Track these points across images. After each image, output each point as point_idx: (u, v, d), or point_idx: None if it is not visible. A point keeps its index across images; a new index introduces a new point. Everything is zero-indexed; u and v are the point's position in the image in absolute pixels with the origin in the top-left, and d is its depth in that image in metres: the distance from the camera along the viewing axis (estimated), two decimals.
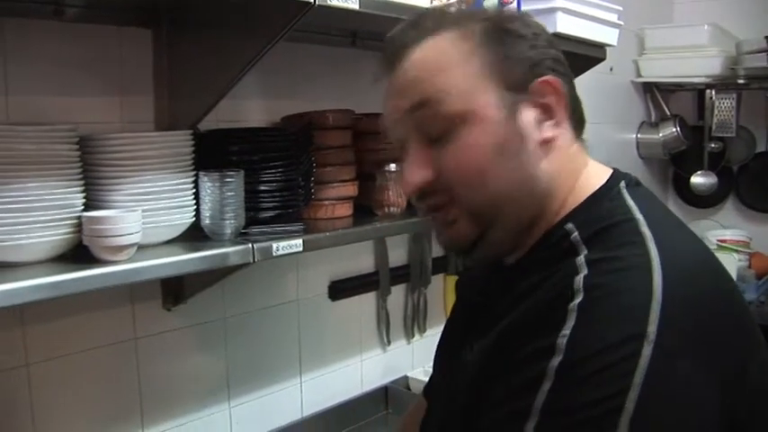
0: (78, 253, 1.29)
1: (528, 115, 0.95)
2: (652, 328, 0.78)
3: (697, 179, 3.60)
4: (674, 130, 3.51)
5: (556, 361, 0.80)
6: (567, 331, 0.81)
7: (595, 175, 1.00)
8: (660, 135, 3.54)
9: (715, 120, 3.44)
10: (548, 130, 0.96)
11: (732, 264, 3.14)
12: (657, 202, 1.00)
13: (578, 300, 0.82)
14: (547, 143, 0.96)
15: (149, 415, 1.73)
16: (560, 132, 0.97)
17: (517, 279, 0.96)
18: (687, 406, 0.78)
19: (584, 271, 0.85)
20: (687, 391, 0.78)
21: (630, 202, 0.94)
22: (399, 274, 2.36)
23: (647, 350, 0.77)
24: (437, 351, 1.28)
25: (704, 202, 3.72)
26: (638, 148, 3.59)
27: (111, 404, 1.66)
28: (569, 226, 0.94)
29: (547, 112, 0.96)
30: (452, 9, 1.03)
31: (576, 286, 0.84)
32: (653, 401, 0.76)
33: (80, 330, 1.58)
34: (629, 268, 0.84)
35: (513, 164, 0.94)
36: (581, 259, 0.87)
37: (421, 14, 1.03)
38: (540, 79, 0.95)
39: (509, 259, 1.03)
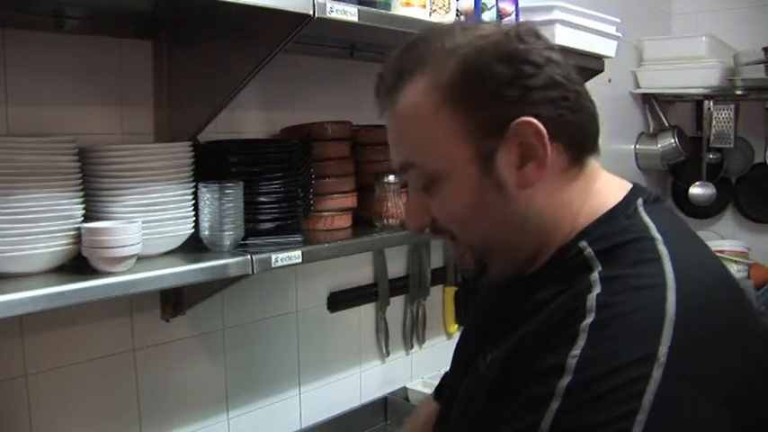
0: (77, 264, 1.29)
1: (508, 160, 0.92)
2: (663, 350, 0.77)
3: (695, 190, 3.61)
4: (673, 141, 3.51)
5: (565, 381, 0.79)
6: (577, 351, 0.80)
7: (610, 192, 0.98)
8: (659, 146, 3.54)
9: (713, 131, 3.45)
10: (531, 173, 0.92)
11: None
12: (676, 219, 0.99)
13: (590, 319, 0.82)
14: (530, 185, 0.93)
15: (148, 426, 1.73)
16: (546, 170, 0.93)
17: (531, 292, 0.96)
18: (695, 429, 0.78)
19: (598, 289, 0.85)
20: (696, 414, 0.77)
21: (647, 220, 0.93)
22: (398, 286, 2.36)
23: (656, 372, 0.76)
24: (454, 355, 1.28)
25: (703, 212, 3.72)
26: (636, 159, 3.59)
27: (110, 415, 1.66)
28: (583, 243, 0.93)
29: (529, 152, 0.91)
30: (438, 36, 0.96)
31: (589, 305, 0.83)
32: (661, 424, 0.75)
33: (79, 341, 1.58)
34: (644, 287, 0.84)
35: (494, 212, 0.95)
36: (595, 276, 0.87)
37: (407, 44, 0.99)
38: (517, 120, 0.90)
39: (527, 271, 1.02)
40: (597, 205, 0.97)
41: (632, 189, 1.00)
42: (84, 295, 1.20)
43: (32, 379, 1.51)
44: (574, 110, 0.94)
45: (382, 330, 2.32)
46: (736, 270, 3.25)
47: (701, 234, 3.55)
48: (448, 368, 1.36)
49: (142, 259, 1.34)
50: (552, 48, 0.96)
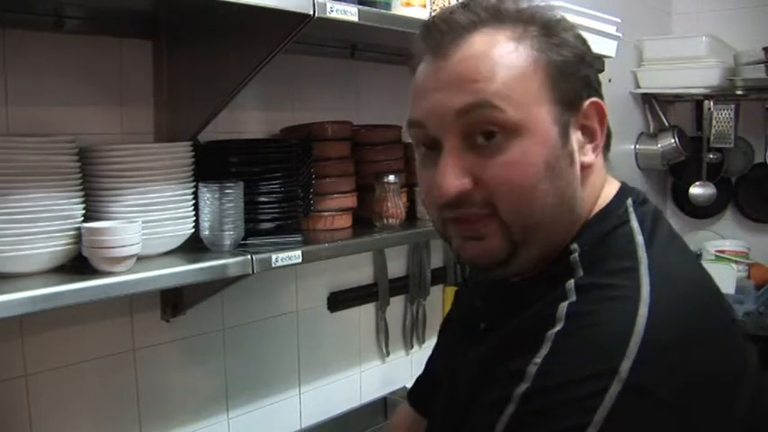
0: (77, 264, 1.29)
1: (577, 135, 0.92)
2: (626, 365, 0.76)
3: (696, 190, 3.61)
4: (673, 141, 3.51)
5: (523, 387, 0.79)
6: (538, 359, 0.80)
7: (609, 190, 0.98)
8: (659, 146, 3.54)
9: (713, 131, 3.45)
10: (588, 155, 0.93)
11: (731, 274, 3.14)
12: (662, 222, 0.97)
13: (558, 327, 0.81)
14: (586, 168, 0.93)
15: (147, 426, 1.73)
16: (598, 157, 0.95)
17: (521, 294, 0.95)
18: None
19: (572, 297, 0.84)
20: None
21: (635, 224, 0.92)
22: (398, 286, 2.36)
23: (615, 388, 0.75)
24: (434, 357, 1.29)
25: (703, 212, 3.72)
26: (636, 158, 3.59)
27: (110, 415, 1.66)
28: (574, 245, 0.92)
29: (589, 135, 0.93)
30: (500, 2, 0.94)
31: (560, 313, 0.83)
32: None
33: (79, 341, 1.58)
34: (616, 299, 0.82)
35: (562, 184, 0.89)
36: (571, 284, 0.86)
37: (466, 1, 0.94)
38: (590, 100, 0.92)
39: (515, 277, 0.99)
40: (600, 202, 0.97)
41: (621, 188, 0.99)
42: (83, 295, 1.20)
43: (32, 379, 1.51)
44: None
45: (382, 330, 2.32)
46: (736, 270, 3.25)
47: (701, 234, 3.59)
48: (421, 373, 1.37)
49: (142, 259, 1.34)
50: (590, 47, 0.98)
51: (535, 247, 0.91)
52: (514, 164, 0.87)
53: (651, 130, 3.62)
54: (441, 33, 0.91)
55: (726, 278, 3.07)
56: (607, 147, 0.98)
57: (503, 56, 0.88)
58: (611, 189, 0.99)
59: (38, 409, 1.52)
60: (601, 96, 0.95)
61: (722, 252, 3.38)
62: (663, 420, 0.76)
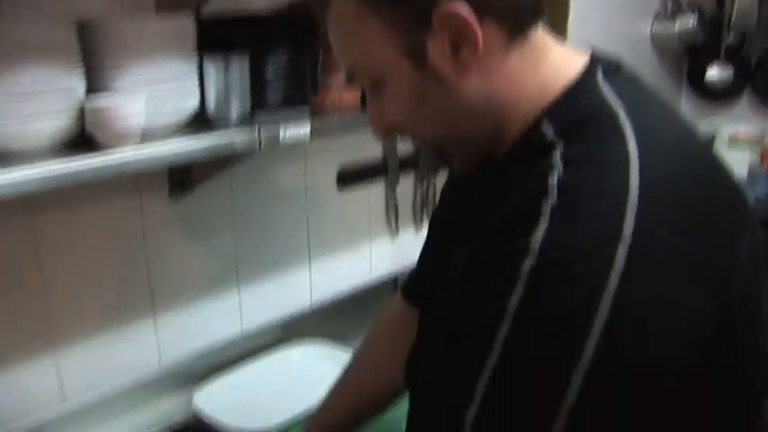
0: (82, 141, 1.28)
1: (439, 49, 0.88)
2: (628, 230, 0.75)
3: (712, 72, 3.54)
4: (691, 21, 3.42)
5: (529, 263, 0.78)
6: (540, 233, 0.79)
7: (567, 65, 0.94)
8: (676, 26, 3.45)
9: (735, 11, 3.35)
10: (466, 57, 0.88)
11: (744, 159, 3.12)
12: (639, 88, 0.95)
13: (552, 200, 0.80)
14: (468, 70, 0.89)
15: (160, 303, 1.77)
16: (482, 52, 0.88)
17: (497, 180, 0.95)
18: (665, 309, 0.77)
19: (560, 169, 0.83)
20: (665, 294, 0.76)
21: (608, 93, 0.90)
22: (408, 164, 2.36)
23: (621, 252, 0.75)
24: (426, 252, 1.35)
25: (719, 95, 3.66)
26: (652, 39, 3.51)
27: (123, 293, 1.70)
28: (545, 124, 0.90)
29: (459, 38, 0.87)
30: None
31: (551, 187, 0.82)
32: (629, 304, 0.74)
33: (88, 221, 1.60)
34: (606, 167, 0.82)
35: (439, 105, 0.92)
36: (556, 157, 0.85)
37: None
38: (438, 11, 0.85)
39: (491, 158, 1.00)
40: (556, 81, 0.93)
41: (591, 59, 0.95)
42: (89, 173, 1.22)
43: (44, 259, 1.54)
44: None
45: (392, 208, 2.34)
46: (749, 154, 3.22)
47: (717, 118, 3.54)
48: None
49: (148, 137, 1.33)
50: None
51: (459, 152, 1.00)
52: (392, 105, 0.95)
53: (668, 9, 3.53)
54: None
55: (739, 162, 3.06)
56: (530, 15, 0.92)
57: (342, 23, 0.93)
58: (574, 61, 0.95)
59: (53, 290, 1.55)
60: None
61: (737, 136, 3.35)
62: (673, 282, 0.77)
